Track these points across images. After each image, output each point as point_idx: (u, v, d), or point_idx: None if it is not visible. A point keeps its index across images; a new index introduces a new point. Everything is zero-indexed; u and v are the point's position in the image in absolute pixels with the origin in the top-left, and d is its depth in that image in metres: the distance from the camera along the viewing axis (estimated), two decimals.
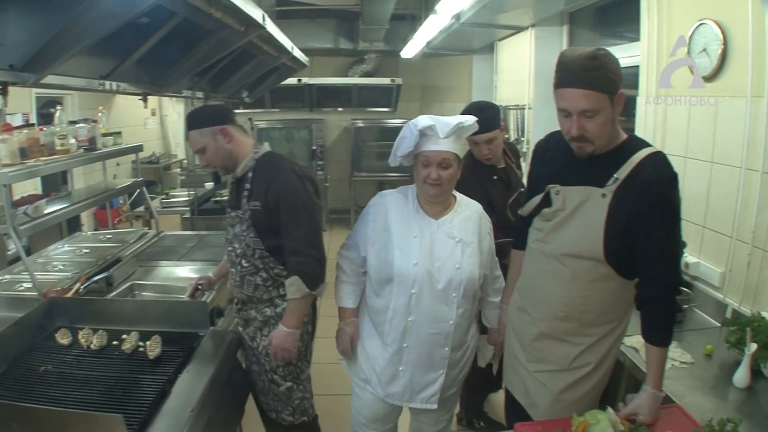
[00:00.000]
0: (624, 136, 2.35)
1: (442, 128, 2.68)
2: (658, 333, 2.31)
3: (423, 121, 2.69)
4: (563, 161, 2.44)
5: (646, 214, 2.23)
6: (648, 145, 2.34)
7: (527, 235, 2.65)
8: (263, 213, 2.91)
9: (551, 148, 2.57)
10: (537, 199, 2.50)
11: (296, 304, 2.94)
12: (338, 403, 4.45)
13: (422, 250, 2.74)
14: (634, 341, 2.94)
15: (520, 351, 2.65)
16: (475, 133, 3.08)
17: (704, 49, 3.37)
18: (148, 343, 2.84)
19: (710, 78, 3.36)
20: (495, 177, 3.77)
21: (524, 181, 3.41)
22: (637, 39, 4.23)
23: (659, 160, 2.27)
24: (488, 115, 3.56)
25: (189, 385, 2.60)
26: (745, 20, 3.02)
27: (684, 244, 3.49)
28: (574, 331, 2.45)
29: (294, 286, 2.89)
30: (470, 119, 2.77)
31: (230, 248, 3.07)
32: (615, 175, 2.27)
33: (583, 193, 2.33)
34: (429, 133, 2.70)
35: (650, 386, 2.27)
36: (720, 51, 3.23)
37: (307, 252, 2.91)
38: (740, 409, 2.43)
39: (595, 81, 2.15)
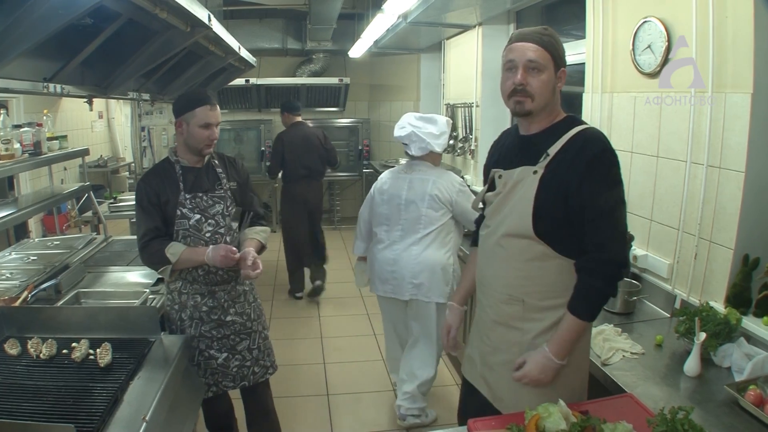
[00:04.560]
0: (563, 115, 2.41)
1: None
2: (577, 302, 2.32)
3: None
4: (508, 147, 2.55)
5: (578, 185, 2.24)
6: (584, 123, 2.38)
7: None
8: (239, 190, 3.47)
9: (501, 139, 2.70)
10: (485, 188, 2.56)
11: (259, 245, 3.43)
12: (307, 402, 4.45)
13: None
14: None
15: (481, 343, 2.63)
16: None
17: (649, 46, 3.44)
18: (98, 350, 2.77)
19: (655, 74, 3.44)
20: None
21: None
22: (583, 37, 4.30)
23: (591, 133, 2.32)
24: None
25: (141, 392, 2.54)
26: (688, 17, 3.09)
27: (631, 237, 3.56)
28: (520, 315, 2.43)
29: (265, 233, 3.55)
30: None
31: (209, 231, 3.30)
32: (547, 152, 2.31)
33: (519, 173, 2.36)
34: None
35: (548, 346, 2.35)
36: (664, 48, 3.30)
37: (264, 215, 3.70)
38: (692, 397, 2.47)
39: (544, 41, 2.29)
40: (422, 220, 4.09)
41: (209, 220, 3.28)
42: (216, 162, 3.43)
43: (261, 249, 3.44)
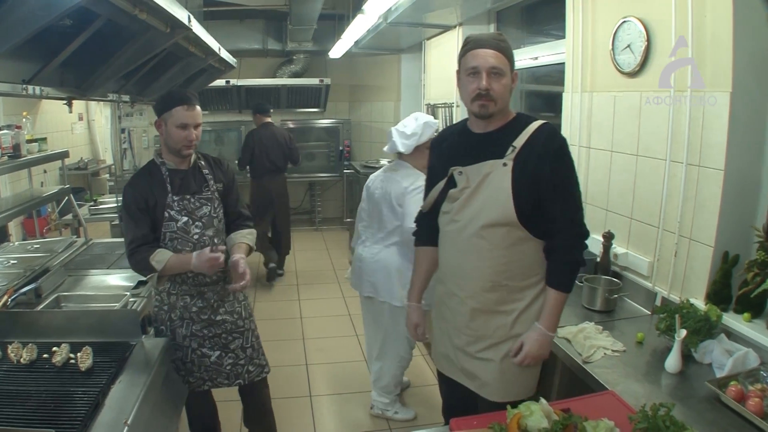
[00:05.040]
0: (514, 112, 2.62)
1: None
2: (560, 278, 2.56)
3: (434, 120, 4.03)
4: (461, 147, 2.66)
5: (549, 173, 2.45)
6: (536, 119, 2.58)
7: (429, 231, 2.84)
8: (224, 191, 3.43)
9: (447, 138, 2.85)
10: (440, 185, 2.65)
11: (248, 249, 3.41)
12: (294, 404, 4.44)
13: None
14: (566, 332, 3.02)
15: (458, 337, 2.71)
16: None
17: (628, 46, 3.46)
18: (79, 354, 2.74)
19: (634, 74, 3.46)
20: None
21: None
22: (563, 37, 4.32)
23: (551, 128, 2.54)
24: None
25: (122, 396, 2.52)
26: (668, 17, 3.11)
27: (612, 235, 3.59)
28: (504, 299, 2.58)
29: (252, 236, 3.50)
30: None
31: (196, 233, 3.26)
32: (513, 145, 2.49)
33: (485, 168, 2.50)
34: (435, 127, 3.97)
35: (541, 323, 2.56)
36: (644, 47, 3.33)
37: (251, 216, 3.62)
38: (673, 393, 2.50)
39: (502, 47, 2.47)
40: (384, 219, 4.14)
41: (197, 222, 3.25)
42: (202, 163, 3.39)
43: (249, 251, 3.43)
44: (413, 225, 3.38)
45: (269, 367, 3.63)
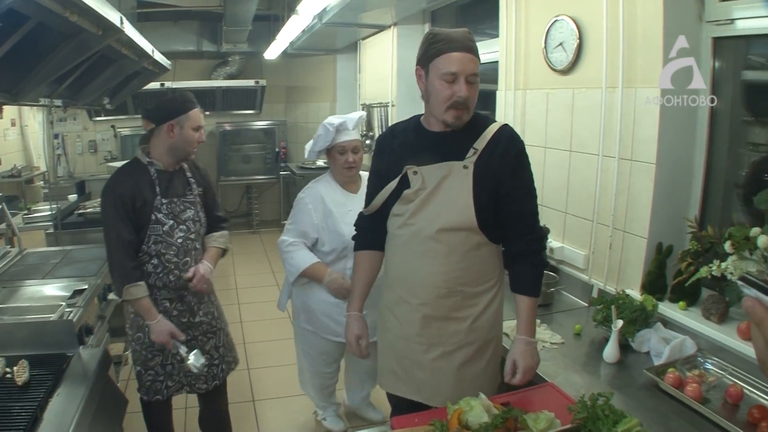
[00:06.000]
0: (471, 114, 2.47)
1: (350, 123, 3.49)
2: (529, 283, 2.50)
3: (335, 119, 3.48)
4: (414, 145, 2.52)
5: (510, 176, 2.41)
6: (494, 120, 2.56)
7: (370, 235, 2.75)
8: (204, 195, 3.44)
9: (398, 136, 2.65)
10: (392, 184, 2.52)
11: (220, 253, 3.49)
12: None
13: None
14: (505, 326, 3.00)
15: (407, 346, 2.58)
16: None
17: (561, 44, 3.52)
18: (15, 368, 2.65)
19: (567, 71, 3.53)
20: None
21: None
22: (496, 36, 4.37)
23: (511, 130, 2.50)
24: None
25: (61, 409, 2.46)
26: (599, 16, 3.19)
27: (547, 230, 3.65)
28: (458, 305, 2.48)
29: (224, 238, 3.54)
30: (363, 114, 3.77)
31: (180, 237, 3.26)
32: (474, 147, 2.40)
33: (444, 169, 2.41)
34: (341, 128, 3.47)
35: (522, 334, 2.47)
36: (576, 45, 3.40)
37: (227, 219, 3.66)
38: (612, 382, 2.56)
39: (475, 49, 2.35)
40: None
41: (181, 226, 3.24)
42: (185, 166, 3.39)
43: (221, 253, 3.50)
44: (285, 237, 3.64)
45: (237, 362, 3.68)
